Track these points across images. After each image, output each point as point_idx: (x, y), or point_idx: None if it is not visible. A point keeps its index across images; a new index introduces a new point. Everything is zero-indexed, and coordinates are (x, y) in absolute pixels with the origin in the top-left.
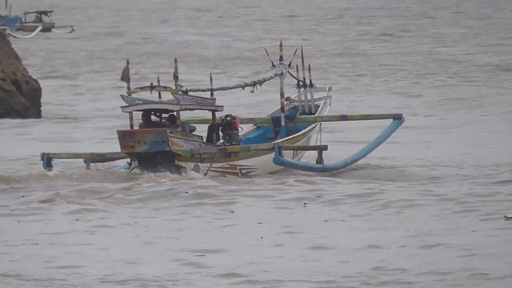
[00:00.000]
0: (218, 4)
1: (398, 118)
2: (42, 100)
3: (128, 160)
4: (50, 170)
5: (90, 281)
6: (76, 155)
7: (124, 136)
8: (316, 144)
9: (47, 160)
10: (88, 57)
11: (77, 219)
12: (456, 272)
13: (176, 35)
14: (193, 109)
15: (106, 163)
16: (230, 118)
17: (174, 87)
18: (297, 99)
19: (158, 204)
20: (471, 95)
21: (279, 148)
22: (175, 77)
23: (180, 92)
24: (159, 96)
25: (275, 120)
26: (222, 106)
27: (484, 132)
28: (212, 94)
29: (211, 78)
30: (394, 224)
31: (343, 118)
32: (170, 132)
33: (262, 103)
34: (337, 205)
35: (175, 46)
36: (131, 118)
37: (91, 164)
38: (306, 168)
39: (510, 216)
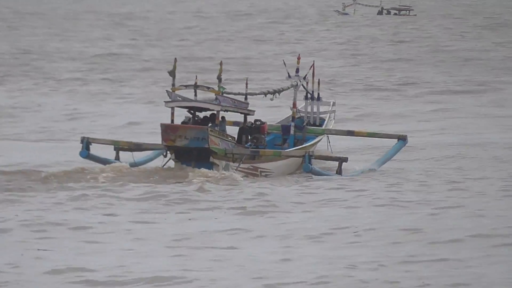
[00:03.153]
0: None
1: (402, 139)
2: None
3: (164, 152)
4: (88, 154)
5: None
6: (115, 142)
7: (166, 130)
8: (338, 156)
9: (86, 143)
10: None
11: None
12: None
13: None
14: (230, 111)
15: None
16: (259, 123)
17: (216, 88)
18: (303, 110)
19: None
20: None
21: (309, 157)
22: (219, 79)
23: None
24: (195, 95)
25: (284, 128)
26: (254, 111)
27: None
28: (246, 98)
29: (246, 83)
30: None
31: (350, 133)
32: (210, 130)
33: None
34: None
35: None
36: (172, 113)
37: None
38: (328, 177)
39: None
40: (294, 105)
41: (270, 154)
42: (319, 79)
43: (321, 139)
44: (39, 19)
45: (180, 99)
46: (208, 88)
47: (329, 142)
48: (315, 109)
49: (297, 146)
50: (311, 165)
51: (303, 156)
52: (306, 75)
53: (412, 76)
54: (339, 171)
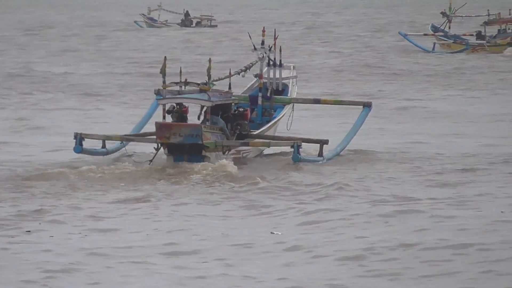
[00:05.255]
0: None
1: (368, 106)
2: None
3: (155, 145)
4: (81, 149)
5: None
6: (107, 137)
7: (161, 128)
8: (319, 138)
9: (80, 139)
10: None
11: None
12: None
13: None
14: (220, 103)
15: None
16: (242, 109)
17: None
18: (265, 76)
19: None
20: None
21: (298, 147)
22: (208, 75)
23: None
24: (180, 87)
25: (252, 99)
26: (237, 99)
27: None
28: (230, 87)
29: (230, 72)
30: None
31: (317, 101)
32: (204, 127)
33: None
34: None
35: None
36: (164, 110)
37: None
38: (314, 161)
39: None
40: (261, 76)
41: (260, 145)
42: (280, 46)
43: (289, 109)
44: None
45: (170, 95)
46: (199, 84)
47: (293, 110)
48: (277, 75)
49: (265, 115)
50: (300, 154)
51: (292, 146)
52: (270, 46)
53: None
54: (320, 154)
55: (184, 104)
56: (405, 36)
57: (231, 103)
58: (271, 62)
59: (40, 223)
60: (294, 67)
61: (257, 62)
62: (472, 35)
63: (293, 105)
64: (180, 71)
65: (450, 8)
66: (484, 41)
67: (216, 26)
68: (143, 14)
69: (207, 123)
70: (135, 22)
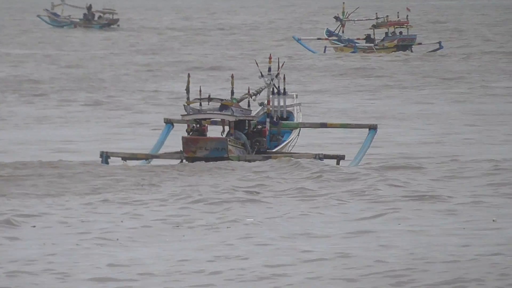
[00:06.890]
0: None
1: (373, 129)
2: None
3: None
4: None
5: None
6: (133, 155)
7: (188, 142)
8: (336, 154)
9: (106, 158)
10: None
11: None
12: None
13: None
14: (241, 120)
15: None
16: (260, 126)
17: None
18: (271, 104)
19: None
20: None
21: (320, 160)
22: (232, 91)
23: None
24: (200, 105)
25: (260, 124)
26: (256, 117)
27: None
28: (249, 106)
29: (248, 90)
30: None
31: (323, 125)
32: (229, 140)
33: None
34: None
35: None
36: (188, 126)
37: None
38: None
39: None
40: (269, 102)
41: (281, 158)
42: (284, 75)
43: (297, 133)
44: None
45: (192, 112)
46: (222, 100)
47: (298, 135)
48: (281, 103)
49: (273, 140)
50: None
51: (315, 158)
52: (277, 73)
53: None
54: None
55: (203, 122)
56: (298, 40)
57: (249, 121)
58: (275, 90)
59: None
60: (296, 96)
61: (265, 87)
62: (364, 39)
63: (300, 130)
64: (209, 95)
65: (343, 13)
66: (373, 44)
67: (118, 20)
68: (46, 9)
69: (231, 137)
70: (38, 16)
